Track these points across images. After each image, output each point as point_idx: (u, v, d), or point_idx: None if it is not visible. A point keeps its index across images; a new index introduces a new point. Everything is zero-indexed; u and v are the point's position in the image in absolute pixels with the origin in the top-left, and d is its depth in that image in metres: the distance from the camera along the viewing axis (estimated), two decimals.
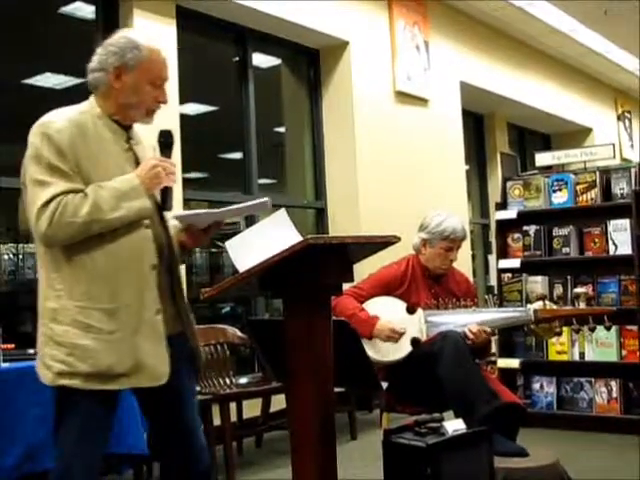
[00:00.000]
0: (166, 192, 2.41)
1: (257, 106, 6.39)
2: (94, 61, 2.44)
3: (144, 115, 2.44)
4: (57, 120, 2.32)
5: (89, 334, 2.27)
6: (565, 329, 4.15)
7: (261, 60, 6.95)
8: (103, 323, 2.28)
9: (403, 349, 3.64)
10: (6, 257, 9.96)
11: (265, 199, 2.39)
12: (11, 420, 3.39)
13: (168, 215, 2.50)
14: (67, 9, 5.60)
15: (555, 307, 3.74)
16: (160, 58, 2.45)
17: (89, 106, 2.43)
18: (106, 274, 2.29)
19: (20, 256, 10.01)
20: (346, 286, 3.12)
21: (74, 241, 2.26)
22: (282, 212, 2.22)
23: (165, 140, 2.46)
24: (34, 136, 2.31)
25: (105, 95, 2.42)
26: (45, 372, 2.32)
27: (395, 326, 3.61)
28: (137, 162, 2.43)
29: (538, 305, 3.70)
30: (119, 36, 2.45)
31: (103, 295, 2.29)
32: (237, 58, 6.45)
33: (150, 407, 2.53)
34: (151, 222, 2.39)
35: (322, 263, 2.17)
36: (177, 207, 2.77)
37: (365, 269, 3.48)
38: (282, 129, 7.49)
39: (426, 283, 3.87)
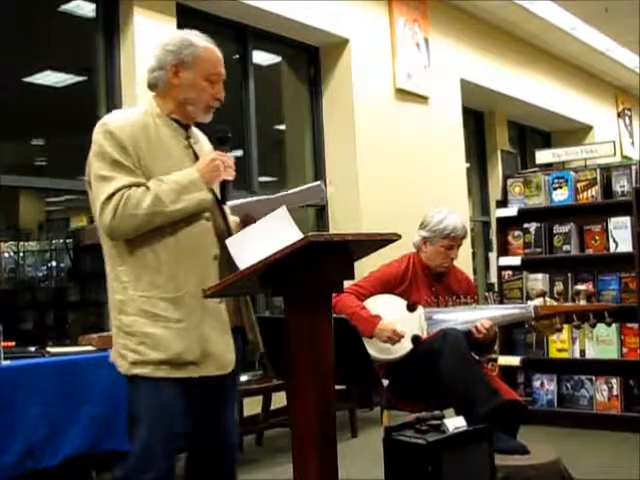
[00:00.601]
0: (225, 186, 2.47)
1: (257, 104, 6.39)
2: (152, 61, 2.49)
3: (202, 111, 2.49)
4: (118, 118, 2.41)
5: (157, 323, 2.33)
6: (566, 326, 4.14)
7: (261, 58, 6.95)
8: (169, 312, 2.34)
9: (404, 347, 3.64)
10: (6, 255, 9.97)
11: (317, 182, 2.43)
12: (11, 418, 3.40)
13: (227, 209, 2.54)
14: (67, 7, 5.60)
15: (555, 303, 3.74)
16: (215, 55, 2.50)
17: (148, 106, 2.49)
18: (168, 265, 2.35)
19: (20, 254, 10.02)
20: (347, 284, 3.12)
21: (137, 233, 2.33)
22: (283, 209, 2.22)
23: (222, 135, 2.52)
24: (97, 134, 2.39)
25: (164, 93, 2.48)
26: (121, 362, 2.38)
27: (397, 328, 3.61)
28: (196, 159, 2.48)
29: (538, 301, 3.70)
30: (174, 35, 2.51)
31: (166, 285, 2.35)
32: (237, 56, 6.45)
33: (196, 398, 2.50)
34: (211, 215, 2.44)
35: (323, 260, 2.17)
36: None
37: (365, 266, 3.48)
38: (282, 127, 7.49)
39: (427, 281, 3.86)
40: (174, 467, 2.40)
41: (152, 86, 2.51)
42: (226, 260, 2.40)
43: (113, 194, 2.29)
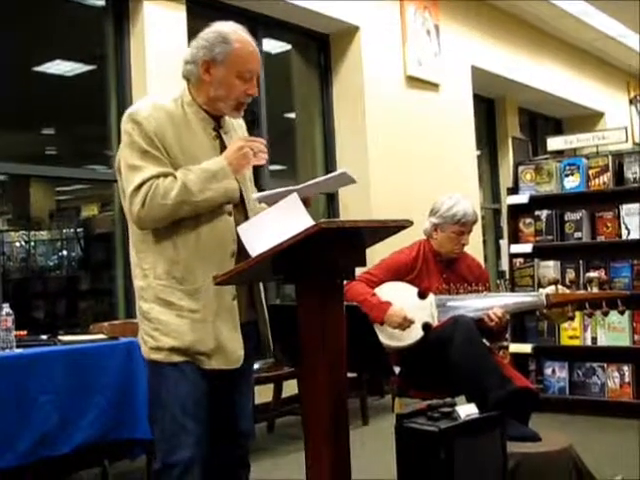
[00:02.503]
0: (258, 171, 2.49)
1: (267, 92, 6.37)
2: (187, 53, 2.49)
3: (232, 108, 2.47)
4: (145, 108, 2.40)
5: (172, 311, 2.37)
6: (577, 314, 4.12)
7: (271, 46, 6.93)
8: (184, 301, 2.37)
9: (415, 334, 3.64)
10: (17, 244, 10.02)
11: (343, 170, 2.38)
12: (25, 405, 3.42)
13: (251, 204, 2.52)
14: None
15: (568, 291, 3.73)
16: (249, 51, 2.48)
17: (181, 94, 2.48)
18: (186, 258, 2.37)
19: (32, 243, 10.06)
20: (358, 271, 3.11)
21: (166, 222, 2.34)
22: (294, 196, 2.21)
23: (251, 118, 2.54)
24: (125, 124, 2.39)
25: (196, 86, 2.47)
26: (143, 347, 2.44)
27: (407, 314, 3.60)
28: (223, 150, 2.47)
29: (550, 289, 3.69)
30: (210, 30, 2.48)
31: (183, 277, 2.37)
32: None
33: (208, 386, 2.51)
34: (234, 210, 2.44)
35: (335, 247, 2.16)
36: None
37: (376, 254, 3.47)
38: (293, 115, 7.47)
39: (437, 268, 3.86)
40: (205, 444, 2.40)
41: (185, 78, 2.49)
42: (244, 257, 2.38)
43: (142, 184, 2.30)
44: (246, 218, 2.48)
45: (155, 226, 2.36)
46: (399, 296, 3.71)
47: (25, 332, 3.79)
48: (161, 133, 2.35)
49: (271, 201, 2.46)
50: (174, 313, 2.36)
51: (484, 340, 3.60)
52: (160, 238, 2.38)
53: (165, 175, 2.32)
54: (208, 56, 2.42)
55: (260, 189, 2.59)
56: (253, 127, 2.53)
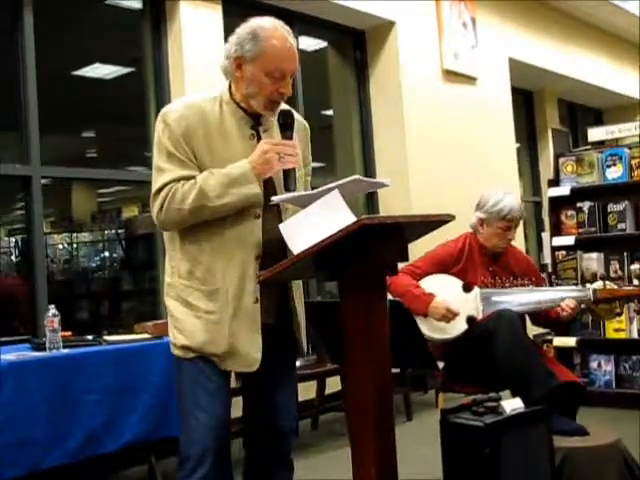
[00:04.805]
0: (288, 174, 2.39)
1: (304, 90, 6.38)
2: (225, 48, 2.47)
3: (263, 106, 2.41)
4: (177, 108, 2.41)
5: (190, 311, 2.40)
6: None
7: (307, 43, 6.93)
8: (201, 302, 2.39)
9: (459, 327, 3.61)
10: (61, 246, 10.16)
11: (356, 176, 2.29)
12: (72, 405, 3.46)
13: (289, 208, 2.45)
14: None
15: (615, 287, 3.67)
16: (279, 49, 2.37)
17: (221, 92, 2.47)
18: (209, 259, 2.38)
19: (74, 245, 10.20)
20: (401, 265, 3.10)
21: (185, 226, 2.38)
22: (335, 193, 2.20)
23: (284, 121, 2.47)
24: (157, 124, 2.42)
25: (233, 83, 2.46)
26: (170, 341, 2.50)
27: (451, 305, 3.58)
28: None
29: (598, 285, 3.64)
30: (245, 25, 2.43)
31: (204, 277, 2.39)
32: None
33: (242, 389, 2.61)
34: (263, 213, 2.40)
35: (377, 243, 2.16)
36: None
37: (417, 248, 3.46)
38: (330, 112, 7.47)
39: (483, 261, 3.82)
40: (228, 439, 2.44)
41: (223, 73, 2.48)
42: (270, 261, 2.34)
43: (162, 188, 2.33)
44: (280, 220, 2.41)
45: (175, 228, 2.41)
46: (444, 288, 3.69)
47: (70, 333, 3.85)
48: (190, 135, 2.34)
49: (300, 203, 2.37)
50: (192, 313, 2.39)
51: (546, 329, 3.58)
52: (185, 238, 2.41)
53: (187, 178, 2.33)
54: (239, 52, 2.39)
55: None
56: (286, 130, 2.44)
